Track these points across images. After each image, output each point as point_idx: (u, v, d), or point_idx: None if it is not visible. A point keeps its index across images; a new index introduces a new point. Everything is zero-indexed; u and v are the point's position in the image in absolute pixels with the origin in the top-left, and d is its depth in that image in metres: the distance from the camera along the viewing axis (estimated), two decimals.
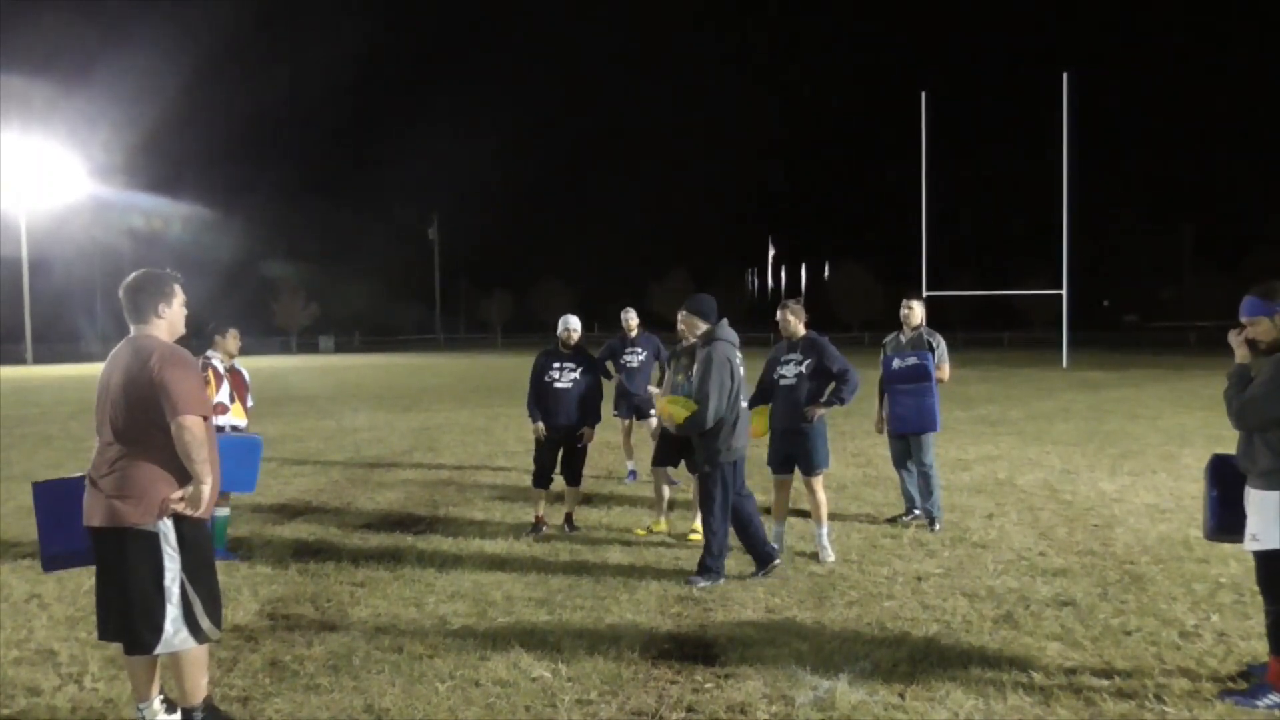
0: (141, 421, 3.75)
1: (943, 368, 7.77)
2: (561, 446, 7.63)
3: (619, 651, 4.77)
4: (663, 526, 7.43)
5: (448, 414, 17.87)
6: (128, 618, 3.74)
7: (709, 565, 6.03)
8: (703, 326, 6.22)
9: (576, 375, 7.56)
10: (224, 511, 6.67)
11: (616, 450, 11.29)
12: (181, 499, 3.75)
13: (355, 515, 8.29)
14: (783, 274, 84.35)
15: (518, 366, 32.72)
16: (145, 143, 71.87)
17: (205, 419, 3.81)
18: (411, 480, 10.23)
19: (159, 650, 3.75)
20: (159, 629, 3.71)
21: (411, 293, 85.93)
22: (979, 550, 6.83)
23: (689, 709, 4.10)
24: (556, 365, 7.60)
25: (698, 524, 7.26)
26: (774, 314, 7.01)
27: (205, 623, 3.79)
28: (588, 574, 6.26)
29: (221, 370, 6.68)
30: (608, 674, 4.48)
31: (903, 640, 4.93)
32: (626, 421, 10.09)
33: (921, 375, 7.54)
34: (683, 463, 7.46)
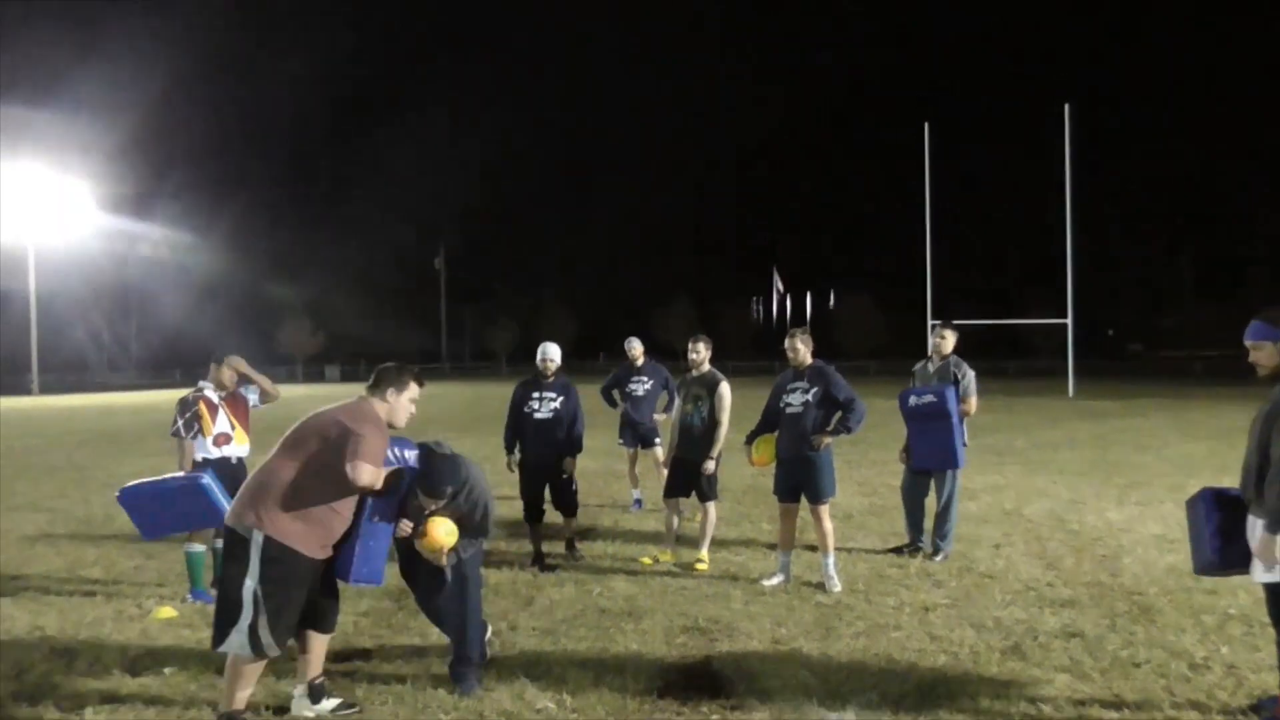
0: (302, 448, 4.11)
1: (969, 401, 7.60)
2: (546, 479, 7.53)
3: (624, 682, 4.73)
4: (669, 557, 7.40)
5: (452, 442, 17.78)
6: (217, 611, 4.07)
7: (468, 671, 4.76)
8: (449, 489, 4.65)
9: (557, 405, 7.46)
10: (198, 548, 6.40)
11: (622, 479, 11.26)
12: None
13: None
14: (788, 303, 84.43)
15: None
16: (150, 171, 72.60)
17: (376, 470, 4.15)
18: None
19: (220, 648, 3.99)
20: (227, 628, 3.97)
21: (417, 321, 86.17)
22: (986, 580, 6.78)
23: None
24: (536, 395, 7.49)
25: (704, 553, 7.25)
26: (779, 343, 7.03)
27: (266, 637, 3.97)
28: (592, 604, 6.23)
29: (215, 400, 6.54)
30: (613, 705, 4.45)
31: (910, 671, 4.90)
32: (631, 450, 10.06)
33: (939, 413, 7.36)
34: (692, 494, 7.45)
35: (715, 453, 7.24)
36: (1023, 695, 4.55)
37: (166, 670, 4.97)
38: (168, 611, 6.11)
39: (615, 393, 10.20)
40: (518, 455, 7.58)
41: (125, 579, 7.12)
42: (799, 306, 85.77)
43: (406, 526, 4.64)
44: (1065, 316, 33.79)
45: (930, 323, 34.11)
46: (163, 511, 5.82)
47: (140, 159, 71.45)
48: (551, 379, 7.53)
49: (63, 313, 64.65)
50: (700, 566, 7.12)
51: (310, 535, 4.08)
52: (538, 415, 7.44)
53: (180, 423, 6.45)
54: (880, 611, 6.01)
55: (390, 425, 4.39)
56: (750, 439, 6.98)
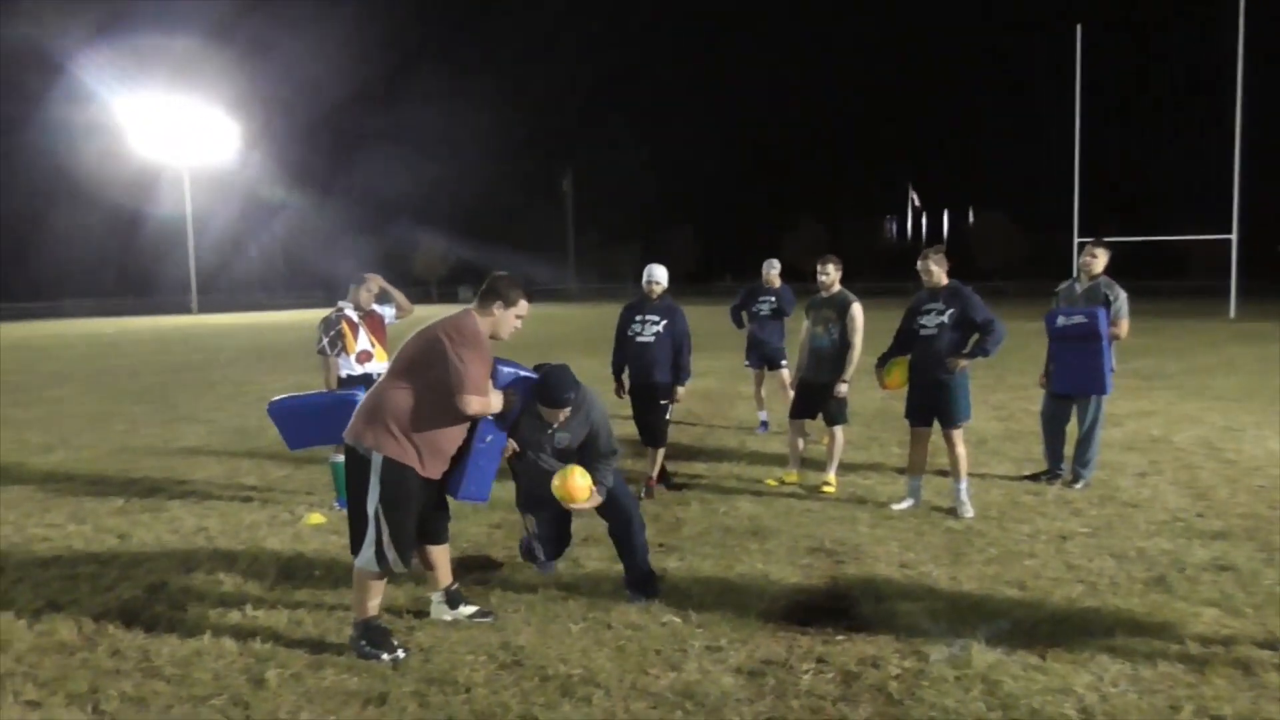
0: (411, 367, 4.19)
1: (1120, 324, 7.18)
2: (641, 403, 7.26)
3: (748, 600, 4.77)
4: (794, 478, 7.37)
5: (576, 362, 18.01)
6: (351, 523, 4.27)
7: (644, 585, 4.92)
8: (566, 410, 4.68)
9: (659, 329, 7.11)
10: (341, 459, 6.73)
11: (747, 400, 11.24)
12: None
13: None
14: (923, 221, 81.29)
15: None
16: (295, 99, 75.17)
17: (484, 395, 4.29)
18: None
19: (357, 562, 4.19)
20: (359, 542, 4.18)
21: (545, 243, 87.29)
22: (1129, 510, 6.50)
23: (819, 660, 4.08)
24: (639, 318, 7.20)
25: (830, 477, 7.18)
26: (913, 263, 6.79)
27: (391, 554, 4.14)
28: (717, 523, 6.28)
29: (356, 319, 6.85)
30: (737, 622, 4.50)
31: (1044, 601, 4.76)
32: (757, 371, 9.99)
33: (1089, 335, 7.02)
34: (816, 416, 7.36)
35: (848, 375, 7.10)
36: (1166, 628, 4.37)
37: (316, 572, 5.30)
38: (317, 518, 6.48)
39: (743, 313, 10.12)
40: (628, 381, 7.37)
41: (277, 487, 7.58)
42: (935, 224, 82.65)
43: (513, 446, 4.78)
44: (1229, 231, 31.57)
45: (1077, 240, 32.55)
46: (310, 425, 6.14)
47: (282, 88, 74.11)
48: (656, 301, 7.24)
49: (216, 236, 68.33)
50: (827, 489, 7.06)
51: (424, 454, 4.17)
52: (640, 339, 7.17)
53: (325, 341, 6.76)
54: (1014, 539, 5.85)
55: (493, 337, 4.37)
56: (882, 362, 6.82)
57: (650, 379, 7.14)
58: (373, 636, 4.17)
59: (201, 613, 4.72)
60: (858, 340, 7.10)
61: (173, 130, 59.43)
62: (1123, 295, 7.25)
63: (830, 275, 7.30)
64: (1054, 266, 35.27)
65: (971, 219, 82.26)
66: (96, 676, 3.98)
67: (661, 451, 7.29)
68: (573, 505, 4.76)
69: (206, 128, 60.66)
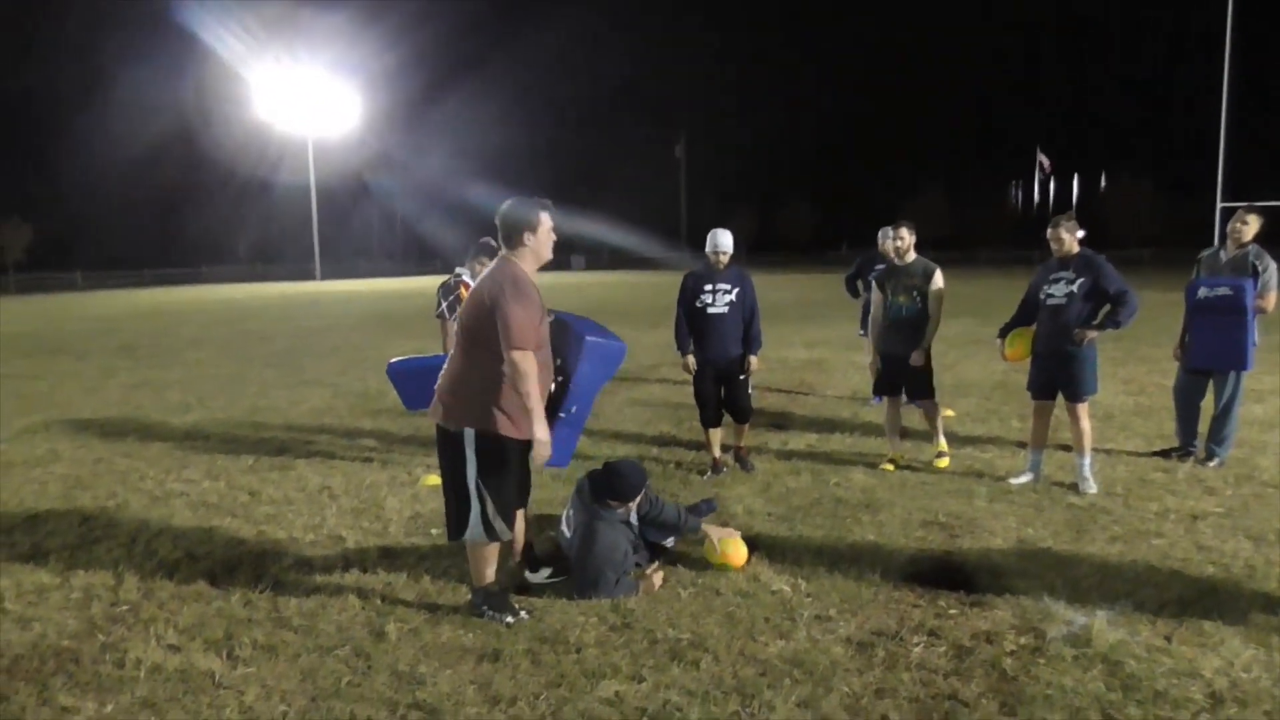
0: (475, 336, 4.13)
1: (1268, 296, 6.73)
2: (724, 379, 6.86)
3: (859, 571, 4.71)
4: (900, 458, 7.01)
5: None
6: (447, 504, 4.27)
7: None
8: (636, 498, 4.88)
9: (732, 298, 6.71)
10: None
11: (861, 370, 11.05)
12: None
13: (604, 426, 8.64)
14: (1052, 187, 77.68)
15: (759, 285, 32.52)
16: (419, 79, 76.98)
17: (537, 349, 4.10)
18: (656, 396, 10.49)
19: (465, 538, 4.23)
20: (464, 520, 4.19)
21: (658, 209, 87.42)
22: (1269, 490, 6.15)
23: (931, 633, 4.00)
24: (709, 287, 6.73)
25: (943, 445, 6.98)
26: (1042, 230, 6.50)
27: (498, 524, 4.19)
28: (829, 494, 6.21)
29: (473, 284, 7.06)
30: (847, 592, 4.45)
31: (1171, 581, 4.56)
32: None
33: (1234, 307, 6.62)
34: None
35: (927, 344, 6.81)
36: None
37: (433, 531, 5.48)
38: (434, 480, 6.68)
39: (859, 282, 9.92)
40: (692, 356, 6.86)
41: (397, 449, 7.84)
42: (1064, 190, 78.98)
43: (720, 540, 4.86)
44: None
45: (1220, 205, 30.73)
46: (428, 386, 6.32)
47: (407, 61, 76.12)
48: (724, 270, 6.82)
49: (339, 205, 70.89)
50: (941, 463, 6.88)
51: (513, 418, 4.11)
52: (712, 310, 6.72)
53: (444, 305, 6.96)
54: (1140, 517, 5.61)
55: (541, 267, 4.30)
56: (1004, 332, 6.59)
57: (729, 355, 6.78)
58: (494, 602, 4.27)
59: (326, 567, 4.94)
60: (940, 310, 6.83)
61: (298, 100, 61.73)
62: (1273, 266, 6.79)
63: (905, 240, 6.96)
64: (1194, 234, 33.40)
65: (1104, 183, 78.32)
66: (231, 625, 4.22)
67: (747, 425, 7.07)
68: (730, 564, 4.84)
69: (329, 97, 62.77)
